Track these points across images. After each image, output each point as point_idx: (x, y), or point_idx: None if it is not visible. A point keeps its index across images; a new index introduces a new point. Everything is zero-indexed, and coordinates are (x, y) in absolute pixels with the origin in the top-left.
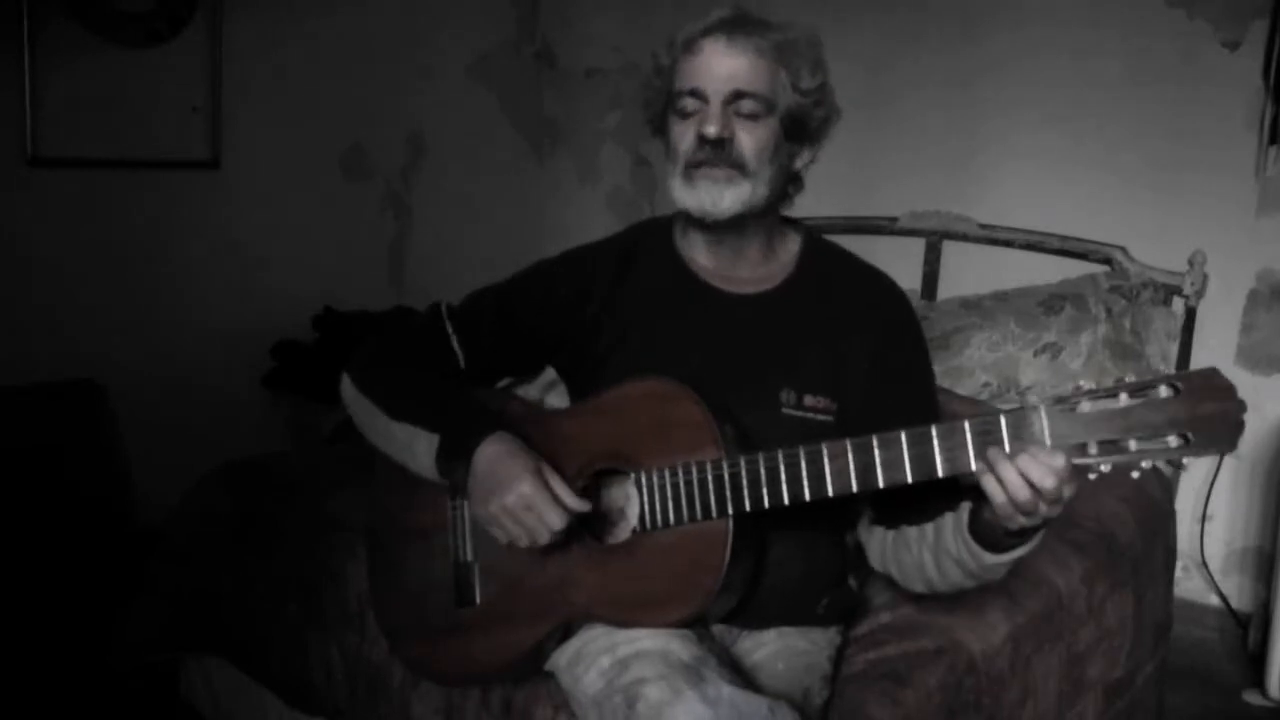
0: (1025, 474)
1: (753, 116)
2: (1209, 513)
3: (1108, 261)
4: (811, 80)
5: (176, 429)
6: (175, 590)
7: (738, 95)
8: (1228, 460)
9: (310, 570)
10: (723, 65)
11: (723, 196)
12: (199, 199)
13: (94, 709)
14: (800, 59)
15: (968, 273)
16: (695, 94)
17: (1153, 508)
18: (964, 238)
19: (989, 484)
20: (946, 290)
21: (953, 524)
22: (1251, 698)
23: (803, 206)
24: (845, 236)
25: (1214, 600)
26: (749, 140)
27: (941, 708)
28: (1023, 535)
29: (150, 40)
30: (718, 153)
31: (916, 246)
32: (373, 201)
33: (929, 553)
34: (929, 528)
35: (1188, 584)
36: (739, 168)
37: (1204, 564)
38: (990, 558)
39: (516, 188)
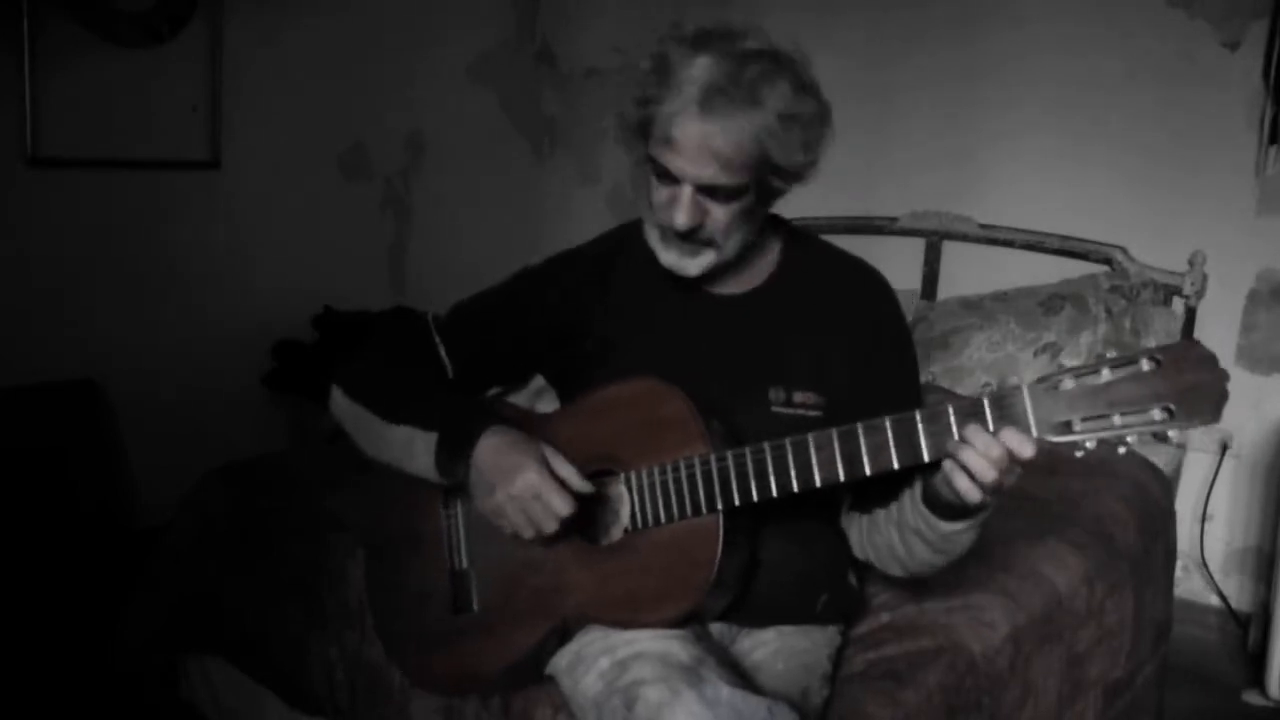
0: (986, 453)
1: (727, 197)
2: (1209, 513)
3: (1108, 261)
4: (797, 157)
5: (176, 429)
6: (175, 590)
7: (711, 189)
8: (1228, 460)
9: (310, 570)
10: (696, 155)
11: (690, 265)
12: (199, 199)
13: (94, 709)
14: (793, 138)
15: (968, 273)
16: (668, 175)
17: (1153, 508)
18: (964, 238)
19: (955, 470)
20: (946, 290)
21: (910, 496)
22: (1251, 698)
23: (803, 206)
24: (845, 236)
25: (1214, 600)
26: (721, 217)
27: (941, 708)
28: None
29: (150, 40)
30: (687, 234)
31: (916, 246)
32: (373, 201)
33: (895, 530)
34: (894, 506)
35: (1188, 584)
36: (707, 244)
37: (1204, 564)
38: (946, 525)
39: (516, 188)
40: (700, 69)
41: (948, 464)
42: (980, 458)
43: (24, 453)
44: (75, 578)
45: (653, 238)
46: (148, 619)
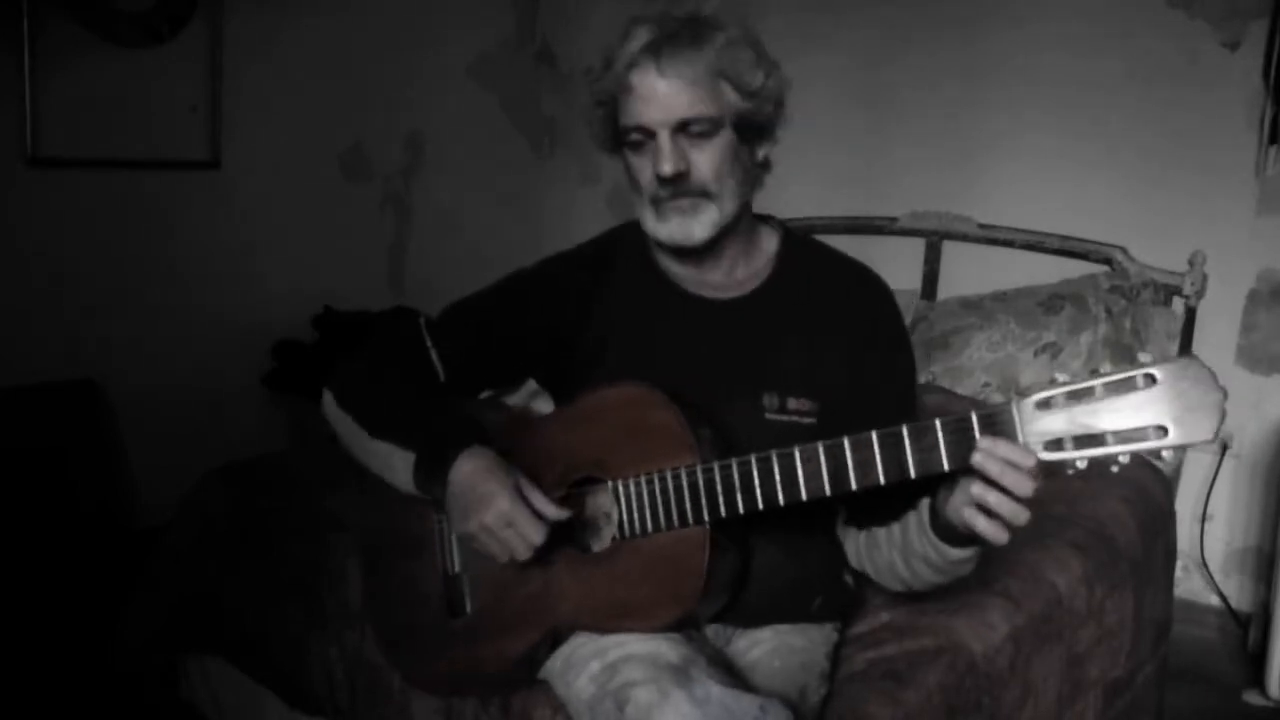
0: (1004, 486)
1: (704, 135)
2: (1209, 513)
3: (1108, 261)
4: (756, 78)
5: (176, 429)
6: (175, 590)
7: (683, 124)
8: (1228, 460)
9: (310, 570)
10: (661, 98)
11: (693, 227)
12: (199, 199)
13: (94, 709)
14: (740, 62)
15: (968, 273)
16: (641, 130)
17: (1153, 508)
18: (964, 238)
19: (972, 514)
20: (946, 290)
21: (915, 523)
22: (1251, 698)
23: (803, 207)
24: (845, 236)
25: (1214, 600)
26: (706, 162)
27: (941, 707)
28: None
29: (150, 40)
30: (678, 185)
31: (916, 246)
32: (373, 201)
33: (898, 553)
34: (895, 529)
35: (1188, 584)
36: (702, 194)
37: (1204, 564)
38: (956, 552)
39: (516, 188)
40: (638, 31)
41: (967, 512)
42: (1002, 496)
43: (24, 453)
44: (75, 578)
45: (649, 219)
46: (148, 619)
